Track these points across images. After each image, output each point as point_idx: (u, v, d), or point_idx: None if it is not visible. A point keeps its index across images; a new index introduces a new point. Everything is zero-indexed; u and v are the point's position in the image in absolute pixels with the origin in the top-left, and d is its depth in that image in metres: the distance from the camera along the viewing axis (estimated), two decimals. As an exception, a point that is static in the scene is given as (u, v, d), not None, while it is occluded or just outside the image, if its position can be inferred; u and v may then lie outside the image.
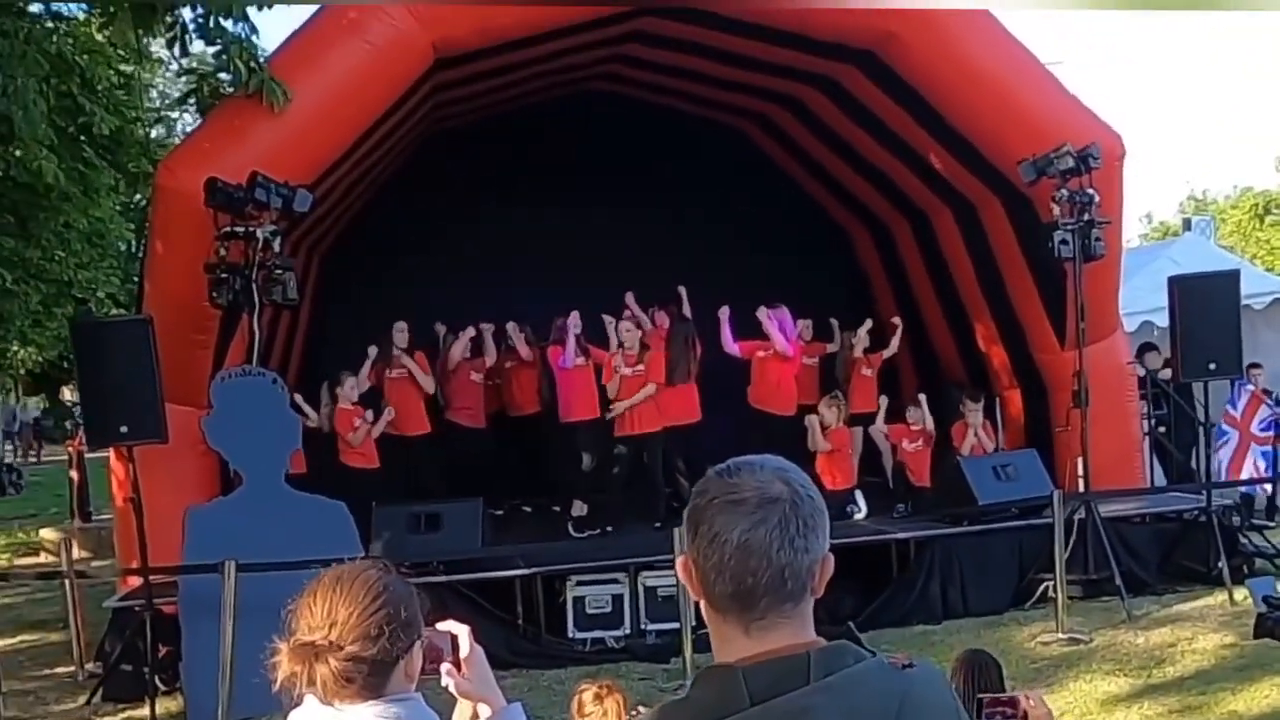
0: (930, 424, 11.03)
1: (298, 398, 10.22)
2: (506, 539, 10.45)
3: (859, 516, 10.76)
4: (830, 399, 11.12)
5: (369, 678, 2.08)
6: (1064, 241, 9.71)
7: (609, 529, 10.94)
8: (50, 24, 10.27)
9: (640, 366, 10.97)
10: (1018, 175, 10.09)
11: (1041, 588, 9.39)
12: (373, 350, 11.06)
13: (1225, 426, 11.26)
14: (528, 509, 12.42)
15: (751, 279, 12.33)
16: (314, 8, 9.31)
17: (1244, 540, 10.35)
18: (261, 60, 8.79)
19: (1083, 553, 9.47)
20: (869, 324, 12.22)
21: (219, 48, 8.70)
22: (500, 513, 11.56)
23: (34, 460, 33.93)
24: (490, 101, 12.28)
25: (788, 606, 1.69)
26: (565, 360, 11.21)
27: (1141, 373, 11.44)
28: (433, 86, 10.48)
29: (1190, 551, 10.05)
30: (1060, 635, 8.63)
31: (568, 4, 9.77)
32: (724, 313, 11.49)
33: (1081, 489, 9.81)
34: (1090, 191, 9.69)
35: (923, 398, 11.19)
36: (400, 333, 11.33)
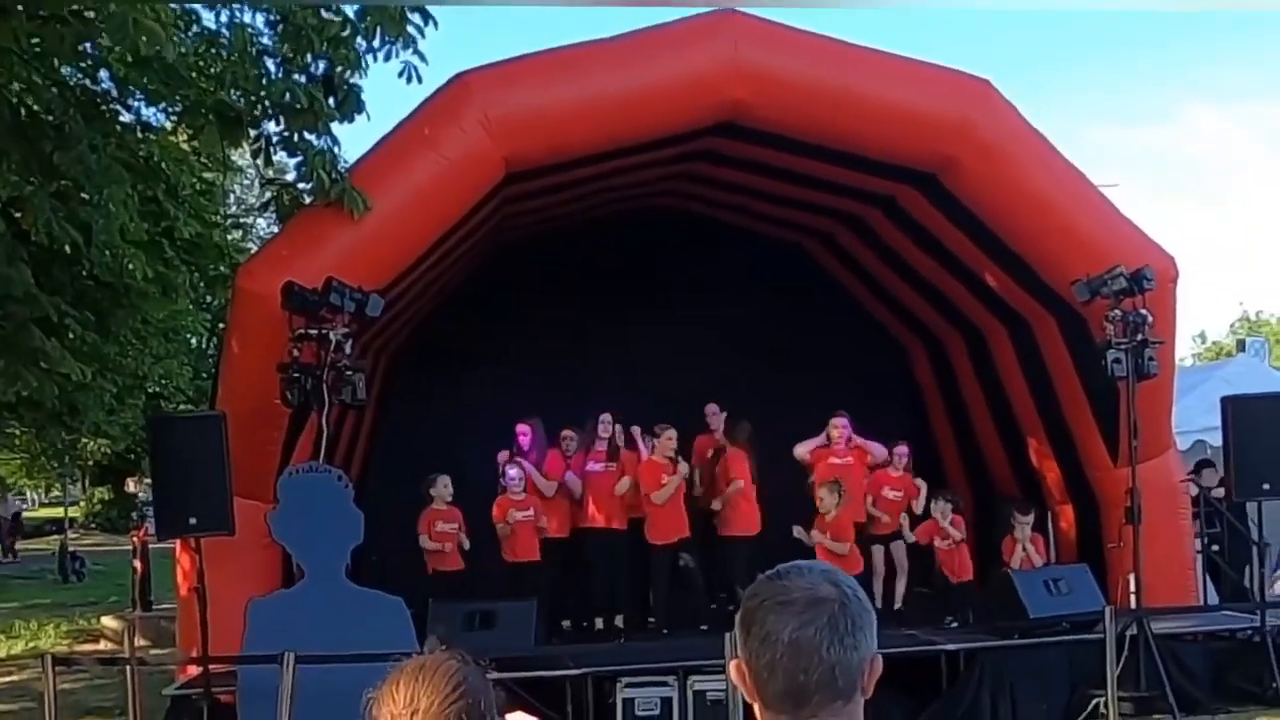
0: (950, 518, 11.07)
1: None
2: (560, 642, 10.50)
3: None
4: (831, 484, 10.87)
5: None
6: (1117, 361, 9.77)
7: (665, 631, 11.07)
8: (140, 134, 10.67)
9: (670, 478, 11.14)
10: (1072, 295, 10.24)
11: (1093, 704, 9.30)
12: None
13: (1280, 546, 11.20)
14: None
15: (810, 392, 12.49)
16: (392, 124, 9.69)
17: (1298, 661, 10.26)
18: (343, 170, 9.14)
19: (1135, 669, 9.38)
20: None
21: (300, 159, 9.06)
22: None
23: (10, 560, 32.61)
24: (556, 214, 12.58)
25: (839, 704, 1.75)
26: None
27: (1195, 491, 11.43)
28: (502, 199, 10.78)
29: (1244, 671, 9.94)
30: (1113, 752, 8.57)
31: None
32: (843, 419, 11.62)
33: (1133, 605, 9.78)
34: (1143, 312, 9.78)
35: (952, 496, 11.32)
36: (604, 423, 11.48)
